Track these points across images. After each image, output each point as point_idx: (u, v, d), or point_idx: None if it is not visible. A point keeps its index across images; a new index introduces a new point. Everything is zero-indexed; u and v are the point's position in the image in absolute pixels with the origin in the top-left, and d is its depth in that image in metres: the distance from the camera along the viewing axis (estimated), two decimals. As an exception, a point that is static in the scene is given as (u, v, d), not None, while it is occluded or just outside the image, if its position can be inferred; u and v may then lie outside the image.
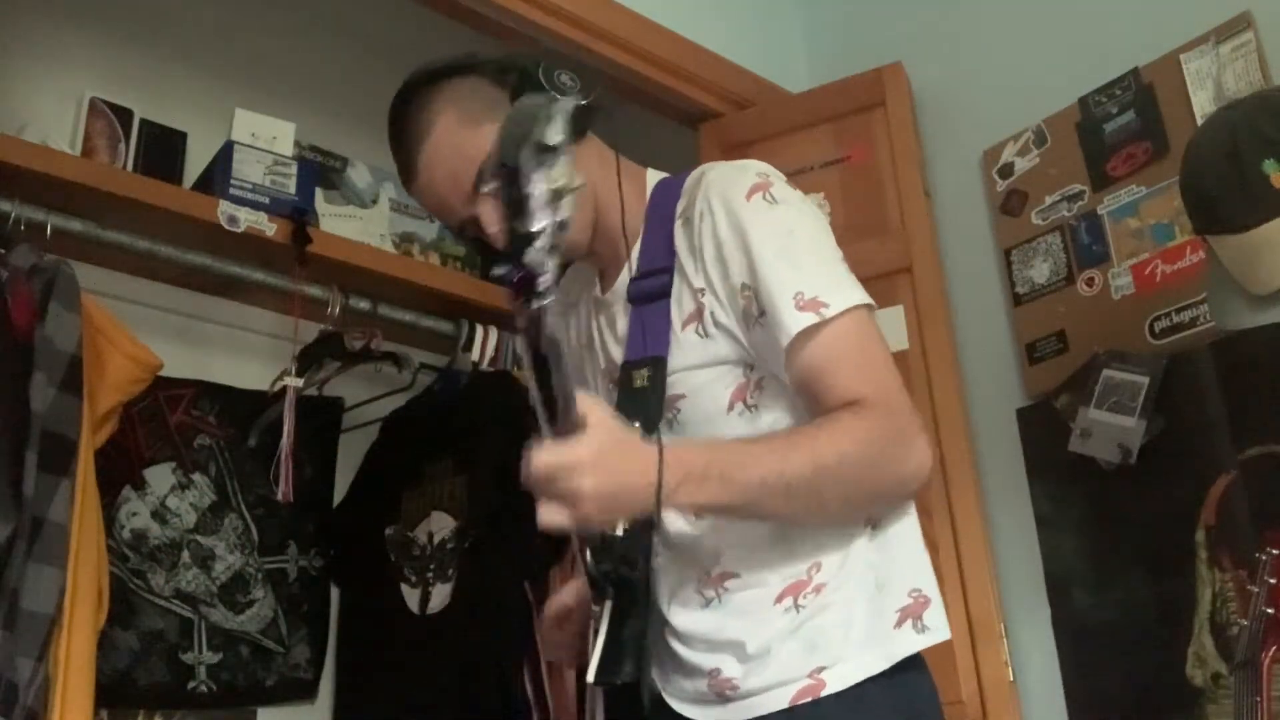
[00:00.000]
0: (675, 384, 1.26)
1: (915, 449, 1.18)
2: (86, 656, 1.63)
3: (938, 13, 2.45)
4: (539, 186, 0.86)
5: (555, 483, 1.02)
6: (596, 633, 1.19)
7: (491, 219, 1.25)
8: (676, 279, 1.28)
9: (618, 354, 1.33)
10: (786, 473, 1.12)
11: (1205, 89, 1.95)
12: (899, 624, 1.24)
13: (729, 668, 1.25)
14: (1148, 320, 1.95)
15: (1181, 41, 2.00)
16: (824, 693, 1.20)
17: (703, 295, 1.25)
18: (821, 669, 1.21)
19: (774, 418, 1.26)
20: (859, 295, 1.23)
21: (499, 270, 0.91)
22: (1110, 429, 1.92)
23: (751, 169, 1.29)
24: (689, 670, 1.28)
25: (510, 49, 2.19)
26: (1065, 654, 1.97)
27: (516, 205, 0.86)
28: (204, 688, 2.18)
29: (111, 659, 2.04)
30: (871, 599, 1.24)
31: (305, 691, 2.33)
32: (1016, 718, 1.98)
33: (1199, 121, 1.89)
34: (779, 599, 1.24)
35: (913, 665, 1.24)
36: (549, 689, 2.04)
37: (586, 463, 1.02)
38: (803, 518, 1.22)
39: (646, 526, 1.16)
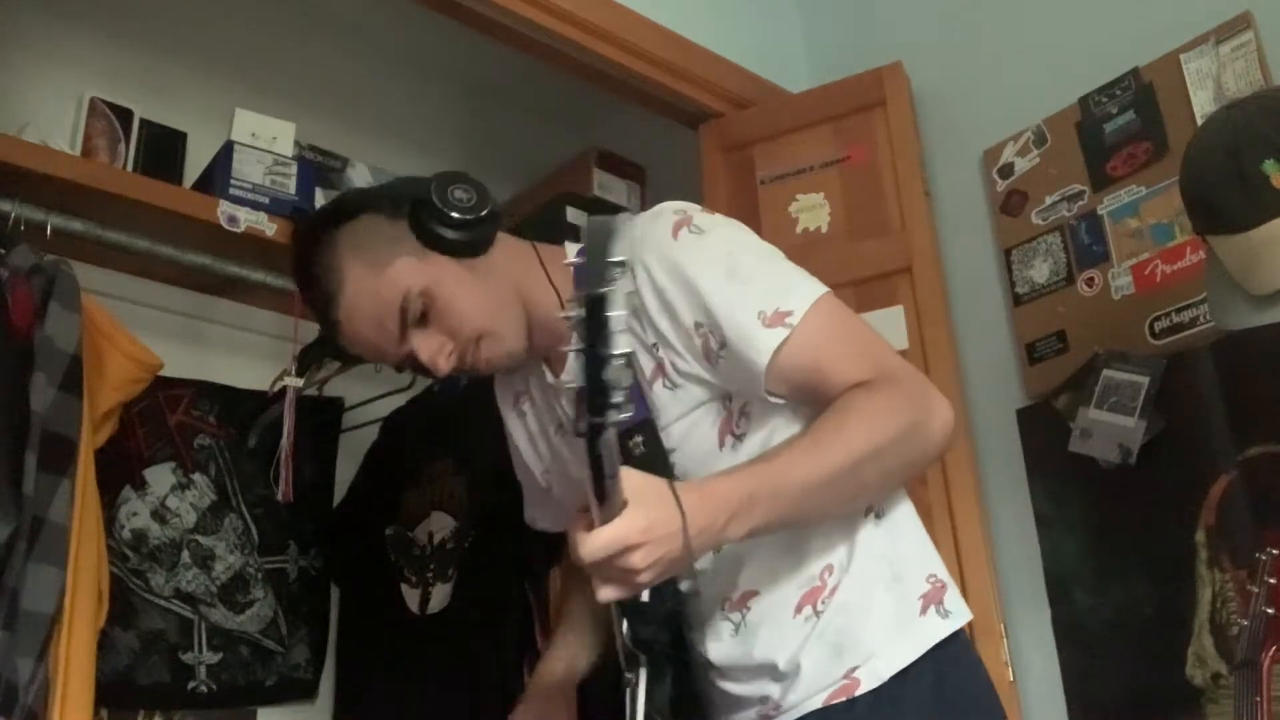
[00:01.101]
0: (663, 440, 1.25)
1: (933, 405, 1.19)
2: (86, 656, 1.63)
3: (938, 13, 2.44)
4: (618, 308, 0.84)
5: (611, 564, 1.02)
6: (633, 700, 1.19)
7: (427, 350, 1.25)
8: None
9: None
10: (825, 467, 1.12)
11: (1205, 89, 1.95)
12: (923, 611, 1.24)
13: (771, 691, 1.25)
14: (1148, 320, 1.95)
15: (1181, 41, 2.00)
16: (859, 691, 1.20)
17: (657, 350, 1.24)
18: (854, 669, 1.21)
19: (766, 434, 1.25)
20: (815, 287, 1.22)
21: (611, 416, 0.87)
22: (1110, 429, 1.92)
23: (667, 210, 1.28)
24: (739, 704, 1.28)
25: (489, 50, 2.18)
26: (1065, 654, 1.97)
27: (598, 329, 0.84)
28: (204, 688, 2.18)
29: (111, 659, 2.04)
30: (890, 588, 1.24)
31: (305, 691, 2.33)
32: (1016, 718, 1.98)
33: (1199, 121, 1.89)
34: (798, 609, 1.24)
35: (952, 646, 1.24)
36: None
37: (635, 539, 1.01)
38: (848, 506, 1.22)
39: (669, 581, 1.15)
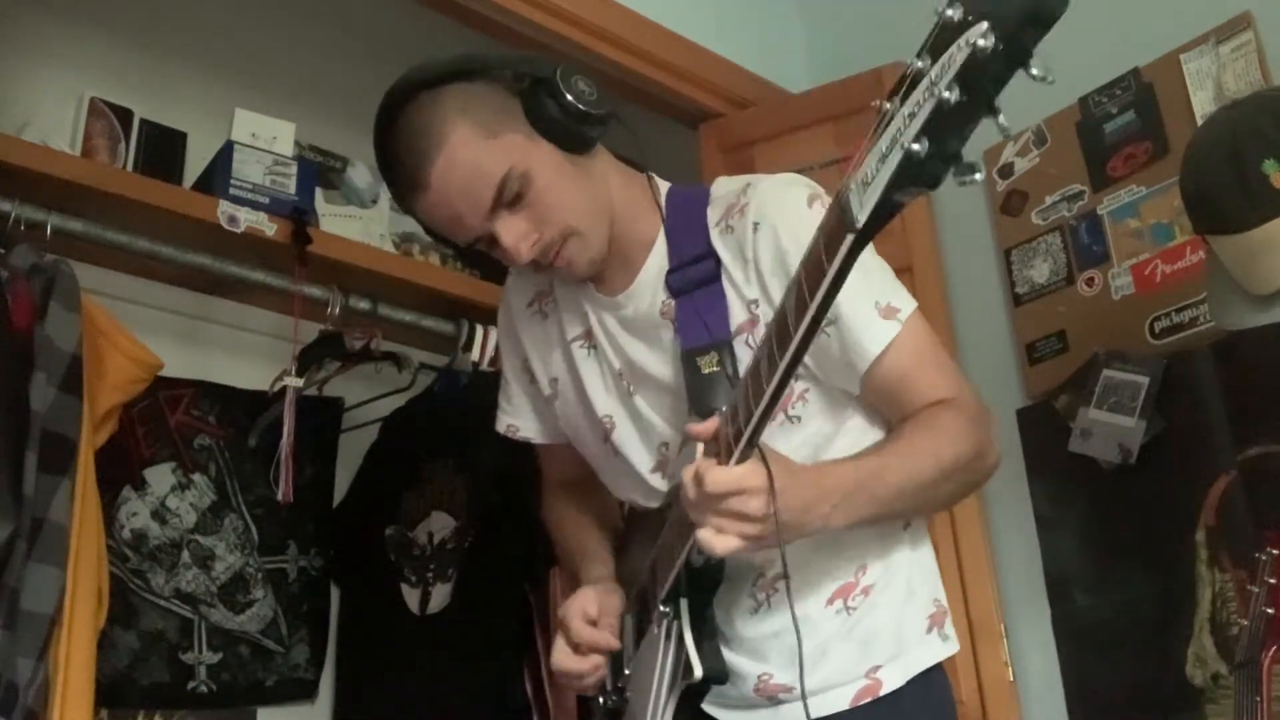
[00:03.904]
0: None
1: (994, 439, 1.22)
2: (86, 656, 1.63)
3: (938, 13, 2.45)
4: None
5: (729, 505, 1.02)
6: (670, 632, 1.20)
7: (512, 234, 1.21)
8: (724, 280, 1.24)
9: (641, 352, 1.30)
10: (915, 476, 1.14)
11: (1205, 89, 1.95)
12: (929, 630, 1.27)
13: (779, 671, 1.25)
14: (1148, 320, 1.95)
15: (1181, 41, 2.00)
16: (882, 692, 1.22)
17: (756, 306, 1.22)
18: (877, 668, 1.23)
19: (816, 427, 1.25)
20: (912, 299, 1.24)
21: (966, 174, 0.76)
22: (1110, 429, 1.92)
23: (801, 182, 1.27)
24: (736, 677, 1.28)
25: (508, 51, 2.19)
26: (1065, 654, 1.97)
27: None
28: (204, 688, 2.18)
29: (111, 659, 2.04)
30: (908, 602, 1.27)
31: (305, 691, 2.33)
32: (1016, 718, 1.98)
33: (1199, 121, 1.89)
34: (830, 601, 1.25)
35: (938, 673, 1.28)
36: (549, 689, 2.04)
37: (762, 483, 1.02)
38: (916, 515, 1.25)
39: None
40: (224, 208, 2.09)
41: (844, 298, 1.14)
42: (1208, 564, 1.80)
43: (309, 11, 2.68)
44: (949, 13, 0.73)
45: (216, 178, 2.16)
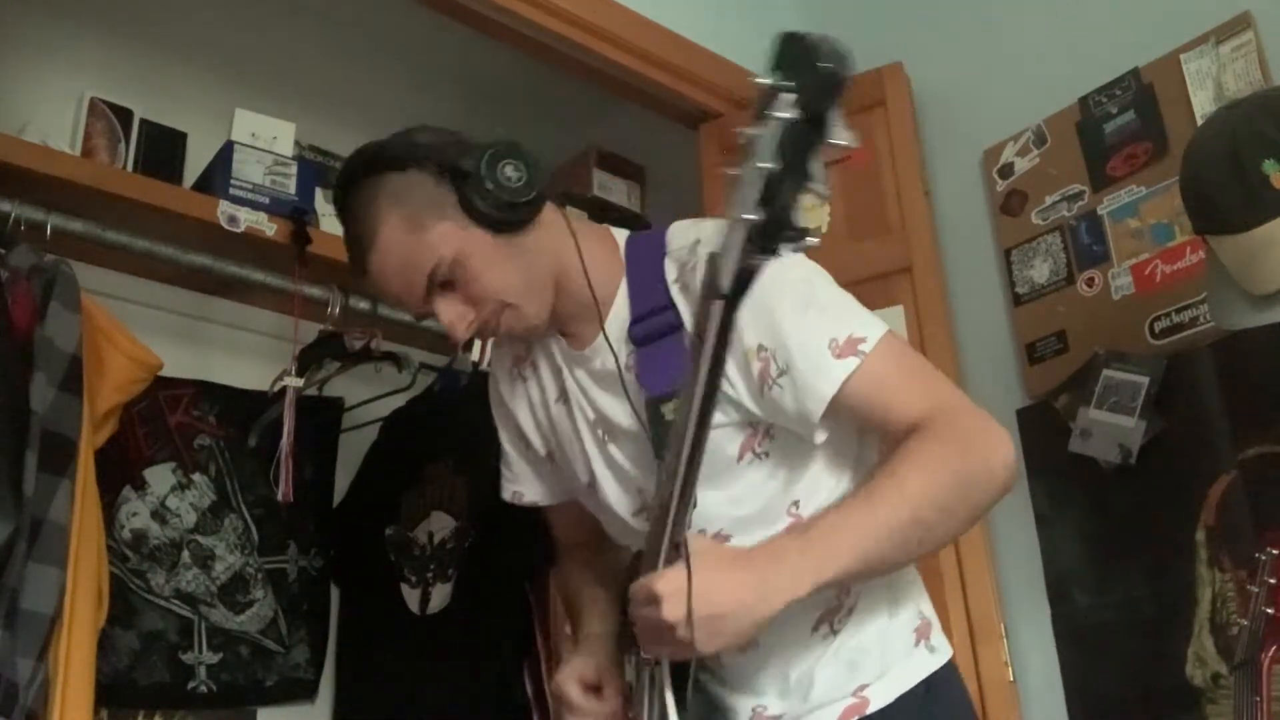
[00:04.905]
0: None
1: (993, 442, 1.17)
2: (86, 656, 1.63)
3: (938, 13, 2.45)
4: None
5: (646, 614, 1.05)
6: (654, 678, 1.19)
7: (448, 315, 1.26)
8: (685, 331, 1.23)
9: (609, 403, 1.31)
10: (881, 523, 1.11)
11: (1205, 89, 1.95)
12: (916, 644, 1.28)
13: (772, 704, 1.26)
14: (1148, 320, 1.95)
15: (1181, 41, 2.00)
16: (870, 710, 1.23)
17: None
18: (864, 686, 1.24)
19: (791, 461, 1.25)
20: (880, 322, 1.22)
21: (788, 245, 0.78)
22: (1110, 429, 1.92)
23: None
24: (730, 713, 1.29)
25: (488, 50, 2.17)
26: (1065, 654, 1.97)
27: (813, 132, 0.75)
28: (204, 688, 2.18)
29: (111, 659, 2.04)
30: (893, 617, 1.28)
31: (305, 691, 2.33)
32: (1016, 718, 1.98)
33: (1199, 121, 1.89)
34: (815, 627, 1.26)
35: (942, 673, 1.27)
36: (549, 689, 2.04)
37: (675, 592, 1.02)
38: (917, 552, 1.19)
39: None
40: (224, 208, 2.09)
41: (796, 344, 1.16)
42: (1208, 564, 1.80)
43: (309, 11, 2.68)
44: (762, 81, 0.74)
45: (216, 178, 2.17)
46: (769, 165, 0.73)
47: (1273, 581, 1.48)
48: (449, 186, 1.25)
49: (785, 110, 0.72)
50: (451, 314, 1.26)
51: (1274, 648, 1.46)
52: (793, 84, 0.72)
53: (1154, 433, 1.87)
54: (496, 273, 1.26)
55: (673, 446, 0.99)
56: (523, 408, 1.48)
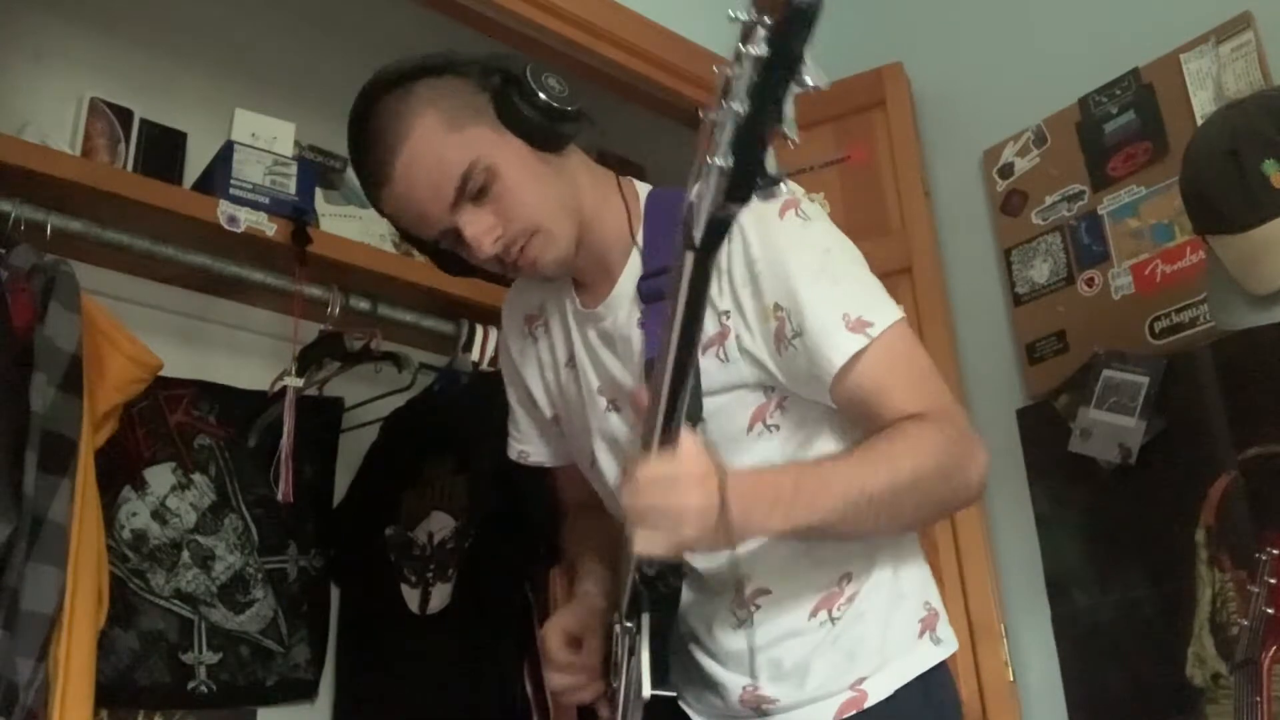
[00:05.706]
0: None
1: (977, 456, 1.18)
2: (86, 656, 1.63)
3: (938, 13, 2.45)
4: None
5: (664, 499, 0.98)
6: (634, 648, 1.17)
7: (474, 228, 1.19)
8: None
9: (616, 366, 1.29)
10: (867, 489, 1.10)
11: (1205, 89, 1.95)
12: (920, 635, 1.26)
13: (765, 684, 1.25)
14: (1148, 320, 1.95)
15: (1181, 41, 2.00)
16: (868, 703, 1.21)
17: (727, 318, 1.20)
18: (862, 679, 1.22)
19: (799, 436, 1.24)
20: (896, 308, 1.20)
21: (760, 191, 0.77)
22: (1110, 429, 1.92)
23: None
24: (721, 688, 1.28)
25: (487, 49, 2.18)
26: (1065, 654, 1.97)
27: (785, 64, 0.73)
28: (204, 688, 2.18)
29: (111, 659, 2.04)
30: (896, 607, 1.26)
31: (305, 691, 2.33)
32: (1016, 718, 1.98)
33: (1199, 121, 1.89)
34: (813, 613, 1.24)
35: (939, 674, 1.26)
36: (549, 689, 2.04)
37: (697, 469, 0.98)
38: (879, 532, 1.20)
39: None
40: (224, 208, 2.09)
41: (810, 310, 1.14)
42: (1208, 564, 1.80)
43: (309, 12, 2.68)
44: (739, 15, 0.73)
45: (216, 178, 2.16)
46: (741, 108, 0.71)
47: (1273, 581, 1.48)
48: (488, 96, 1.20)
49: (758, 47, 0.70)
50: (479, 226, 1.19)
51: (1274, 648, 1.46)
52: (764, 15, 0.70)
53: (1154, 433, 1.88)
54: (533, 188, 1.21)
55: (650, 407, 0.96)
56: (532, 368, 1.44)
